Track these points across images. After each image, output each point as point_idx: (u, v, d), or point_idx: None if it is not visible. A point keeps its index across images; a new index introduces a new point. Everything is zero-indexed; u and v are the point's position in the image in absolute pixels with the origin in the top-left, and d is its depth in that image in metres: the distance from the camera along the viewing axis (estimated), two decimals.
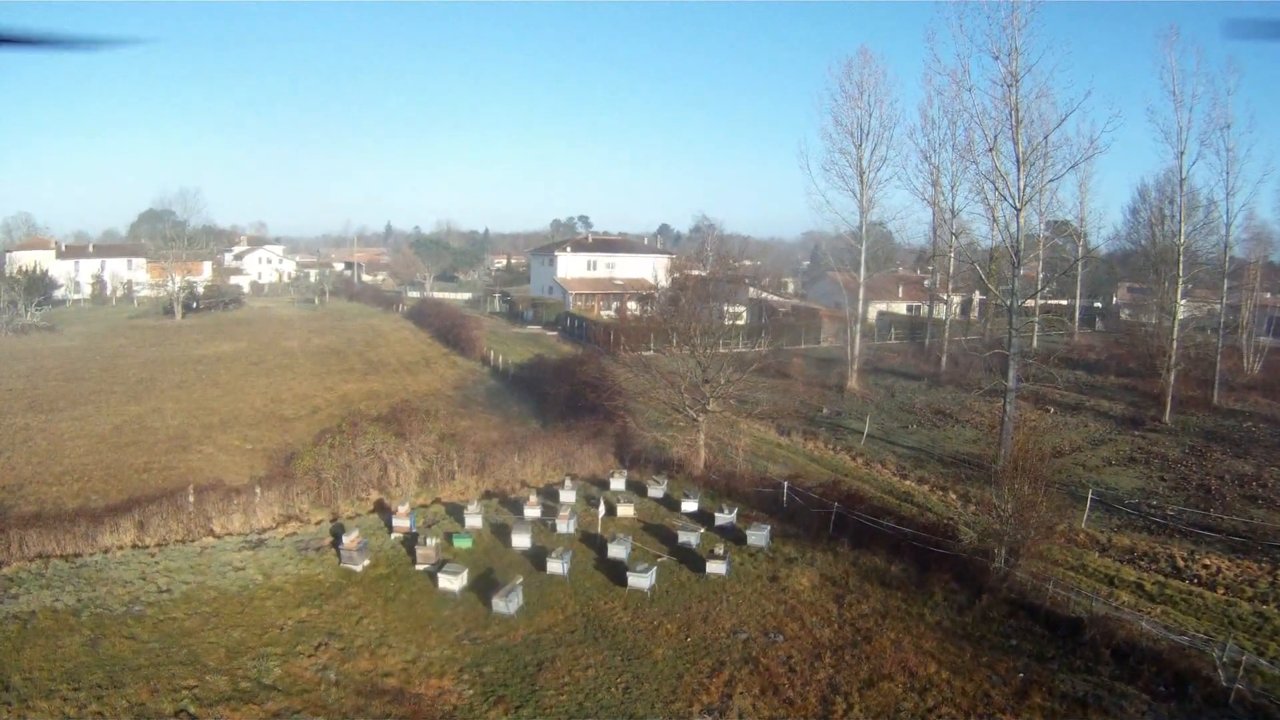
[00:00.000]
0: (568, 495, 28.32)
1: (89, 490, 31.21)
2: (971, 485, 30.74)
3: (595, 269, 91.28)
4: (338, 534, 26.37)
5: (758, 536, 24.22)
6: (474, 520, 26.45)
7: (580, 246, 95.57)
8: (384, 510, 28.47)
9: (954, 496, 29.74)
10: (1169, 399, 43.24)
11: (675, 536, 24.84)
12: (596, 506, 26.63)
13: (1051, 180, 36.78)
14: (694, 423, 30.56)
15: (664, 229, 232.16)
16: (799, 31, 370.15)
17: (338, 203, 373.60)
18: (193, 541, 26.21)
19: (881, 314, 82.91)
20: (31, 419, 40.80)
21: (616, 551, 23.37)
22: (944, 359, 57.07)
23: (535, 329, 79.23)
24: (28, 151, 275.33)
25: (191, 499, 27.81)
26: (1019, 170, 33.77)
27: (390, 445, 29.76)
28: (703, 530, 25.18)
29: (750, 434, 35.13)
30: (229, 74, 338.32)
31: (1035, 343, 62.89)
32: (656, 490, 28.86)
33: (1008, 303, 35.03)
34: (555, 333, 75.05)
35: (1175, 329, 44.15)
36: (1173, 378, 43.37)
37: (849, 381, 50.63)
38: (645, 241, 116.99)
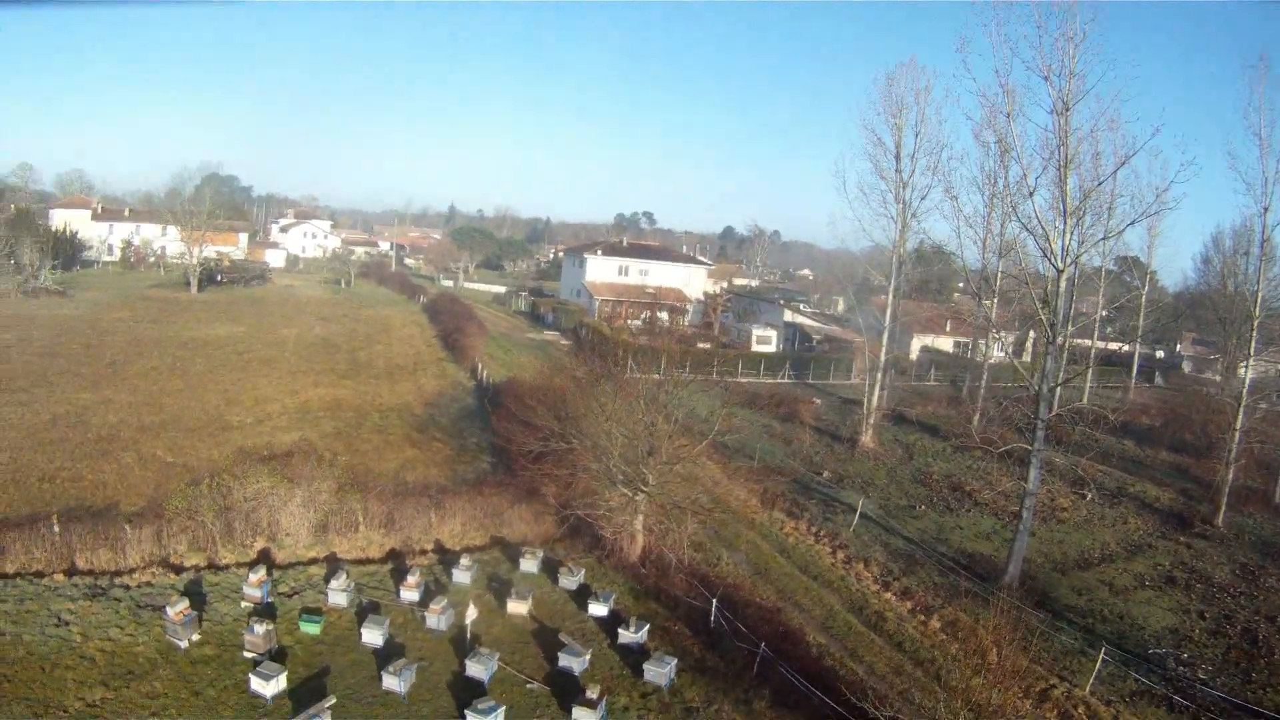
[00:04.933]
0: (461, 576, 23.68)
1: None
2: (964, 605, 24.98)
3: (626, 274, 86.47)
4: (192, 592, 22.66)
5: (658, 672, 18.98)
6: (338, 597, 22.18)
7: (611, 250, 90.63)
8: (267, 561, 24.71)
9: (937, 624, 23.87)
10: (1224, 496, 36.62)
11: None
12: (492, 592, 22.01)
13: (1104, 239, 30.58)
14: (631, 501, 25.31)
15: (728, 232, 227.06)
16: (880, 36, 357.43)
17: (405, 180, 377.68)
18: (43, 577, 23.14)
19: (925, 349, 76.21)
20: None
21: (476, 671, 18.65)
22: (977, 415, 50.66)
23: (552, 335, 74.79)
24: (98, 108, 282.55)
25: (56, 529, 24.64)
26: (1065, 223, 27.83)
27: (280, 491, 25.70)
28: (593, 651, 20.20)
29: (721, 504, 30.15)
30: (302, 40, 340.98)
31: (1086, 399, 56.03)
32: (570, 580, 23.88)
33: (1034, 388, 29.09)
34: (569, 342, 70.32)
35: (1240, 416, 37.22)
36: (1231, 473, 36.70)
37: (863, 436, 44.88)
38: (684, 249, 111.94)
